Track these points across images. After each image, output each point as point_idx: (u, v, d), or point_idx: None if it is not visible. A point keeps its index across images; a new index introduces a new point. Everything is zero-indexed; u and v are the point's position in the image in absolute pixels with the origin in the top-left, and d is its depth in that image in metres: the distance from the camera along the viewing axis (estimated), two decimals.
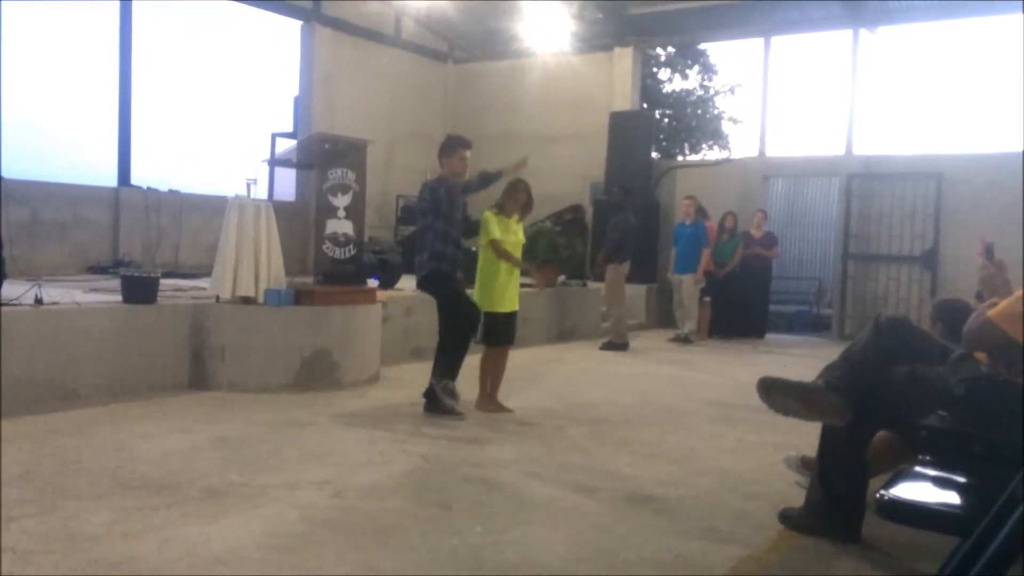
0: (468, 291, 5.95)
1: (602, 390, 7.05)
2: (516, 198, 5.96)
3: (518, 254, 6.00)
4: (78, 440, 4.64)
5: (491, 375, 5.96)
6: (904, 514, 2.77)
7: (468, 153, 5.82)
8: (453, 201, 5.72)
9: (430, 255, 5.66)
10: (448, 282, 5.70)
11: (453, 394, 5.59)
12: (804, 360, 8.70)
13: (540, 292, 9.20)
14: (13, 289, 5.89)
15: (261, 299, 6.38)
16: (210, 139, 15.04)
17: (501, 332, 5.89)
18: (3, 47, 9.20)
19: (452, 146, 5.83)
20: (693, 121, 19.73)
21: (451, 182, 5.76)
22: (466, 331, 5.70)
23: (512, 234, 5.93)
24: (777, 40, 13.02)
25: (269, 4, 12.21)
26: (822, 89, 22.89)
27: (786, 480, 4.25)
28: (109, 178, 10.37)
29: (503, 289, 5.84)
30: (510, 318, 5.95)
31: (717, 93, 20.11)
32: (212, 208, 9.76)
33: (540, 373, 7.66)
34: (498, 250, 5.80)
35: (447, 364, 5.64)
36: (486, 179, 6.06)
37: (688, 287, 10.81)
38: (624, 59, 13.55)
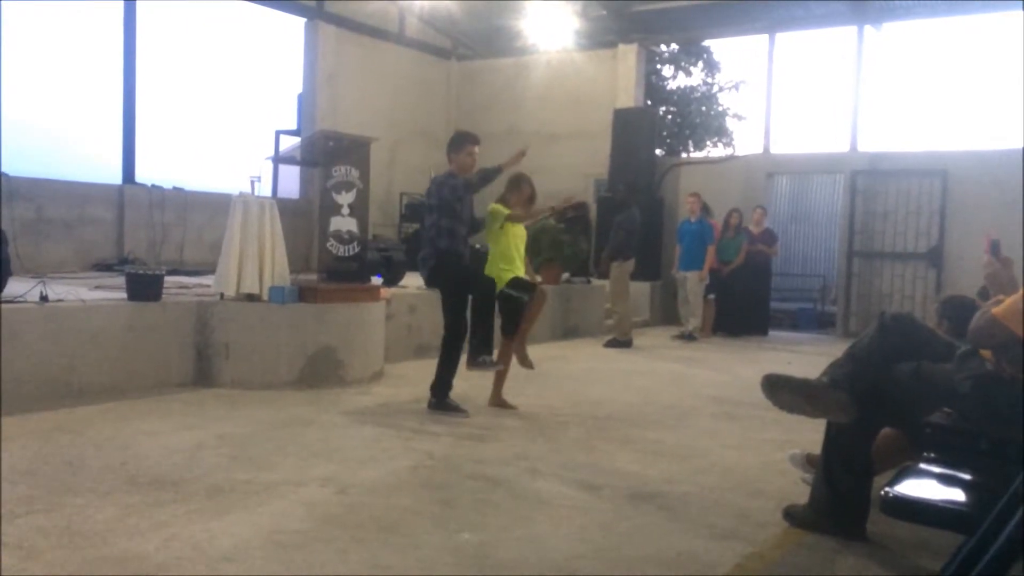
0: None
1: (606, 387, 7.05)
2: (520, 192, 5.99)
3: (522, 248, 6.02)
4: (83, 437, 4.65)
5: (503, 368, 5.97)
6: (909, 511, 2.77)
7: (476, 149, 5.75)
8: (461, 198, 5.70)
9: (435, 251, 5.66)
10: (457, 265, 5.68)
11: (494, 363, 5.68)
12: (809, 357, 8.69)
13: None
14: (18, 286, 5.91)
15: (265, 296, 6.39)
16: (214, 137, 15.08)
17: (520, 304, 5.86)
18: (6, 46, 9.23)
19: (460, 142, 5.79)
20: (697, 118, 19.69)
21: (458, 178, 5.73)
22: (489, 304, 5.69)
23: (518, 225, 5.97)
24: (782, 37, 13.00)
25: (273, 2, 12.21)
26: (827, 86, 22.83)
27: (790, 477, 4.25)
28: (114, 176, 10.41)
29: (503, 275, 5.85)
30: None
31: (721, 90, 20.06)
32: (216, 205, 9.79)
33: (544, 370, 7.64)
34: (516, 217, 5.82)
35: (480, 341, 5.61)
36: (486, 176, 5.97)
37: (693, 284, 10.80)
38: (628, 56, 13.53)
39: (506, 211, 5.88)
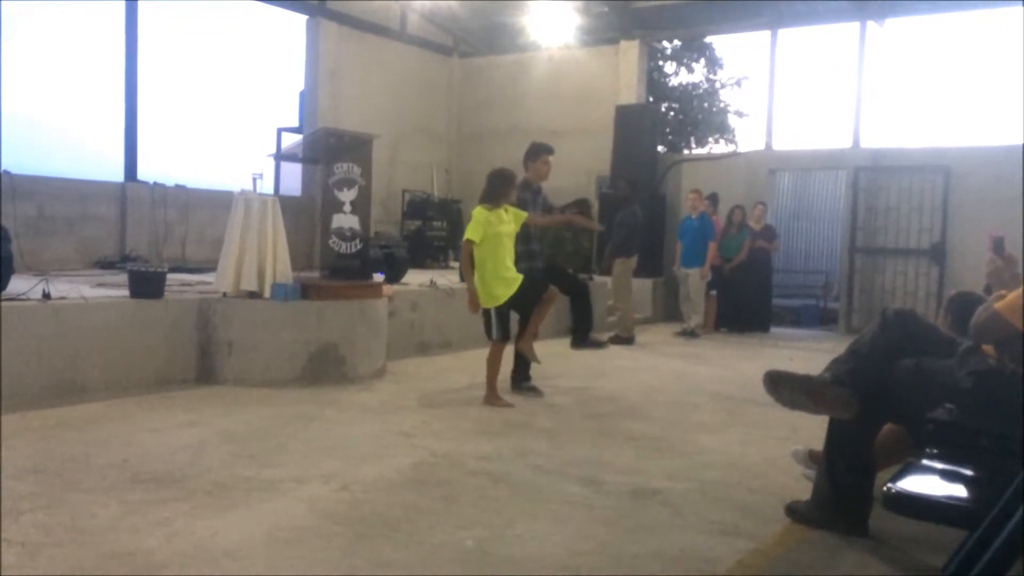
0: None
1: (608, 384, 7.05)
2: (509, 194, 5.91)
3: (511, 245, 5.93)
4: (86, 434, 4.66)
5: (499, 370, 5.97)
6: (911, 507, 2.77)
7: (551, 158, 6.47)
8: (534, 202, 6.41)
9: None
10: (556, 270, 6.71)
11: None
12: (811, 354, 8.68)
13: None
14: (21, 284, 5.92)
15: (267, 294, 6.39)
16: (216, 134, 15.07)
17: (505, 327, 5.88)
18: (9, 43, 9.23)
19: (536, 152, 6.48)
20: (699, 114, 19.70)
21: (534, 186, 6.41)
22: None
23: (504, 224, 5.84)
24: (784, 33, 12.96)
25: None
26: (829, 82, 22.85)
27: (793, 473, 4.24)
28: (116, 173, 10.40)
29: (493, 282, 5.80)
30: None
31: (723, 86, 20.07)
32: (219, 203, 9.77)
33: (545, 367, 7.64)
34: (468, 251, 5.76)
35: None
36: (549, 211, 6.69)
37: (695, 281, 10.79)
38: (630, 52, 13.51)
39: (486, 212, 5.75)
